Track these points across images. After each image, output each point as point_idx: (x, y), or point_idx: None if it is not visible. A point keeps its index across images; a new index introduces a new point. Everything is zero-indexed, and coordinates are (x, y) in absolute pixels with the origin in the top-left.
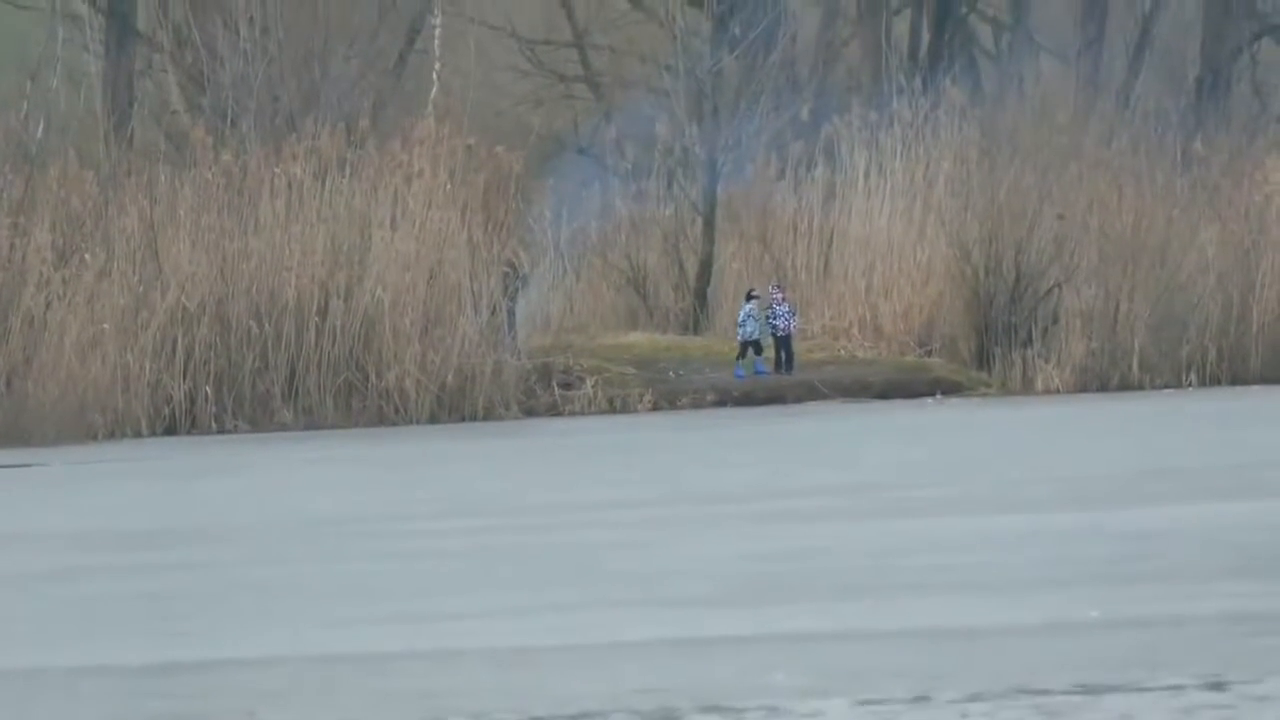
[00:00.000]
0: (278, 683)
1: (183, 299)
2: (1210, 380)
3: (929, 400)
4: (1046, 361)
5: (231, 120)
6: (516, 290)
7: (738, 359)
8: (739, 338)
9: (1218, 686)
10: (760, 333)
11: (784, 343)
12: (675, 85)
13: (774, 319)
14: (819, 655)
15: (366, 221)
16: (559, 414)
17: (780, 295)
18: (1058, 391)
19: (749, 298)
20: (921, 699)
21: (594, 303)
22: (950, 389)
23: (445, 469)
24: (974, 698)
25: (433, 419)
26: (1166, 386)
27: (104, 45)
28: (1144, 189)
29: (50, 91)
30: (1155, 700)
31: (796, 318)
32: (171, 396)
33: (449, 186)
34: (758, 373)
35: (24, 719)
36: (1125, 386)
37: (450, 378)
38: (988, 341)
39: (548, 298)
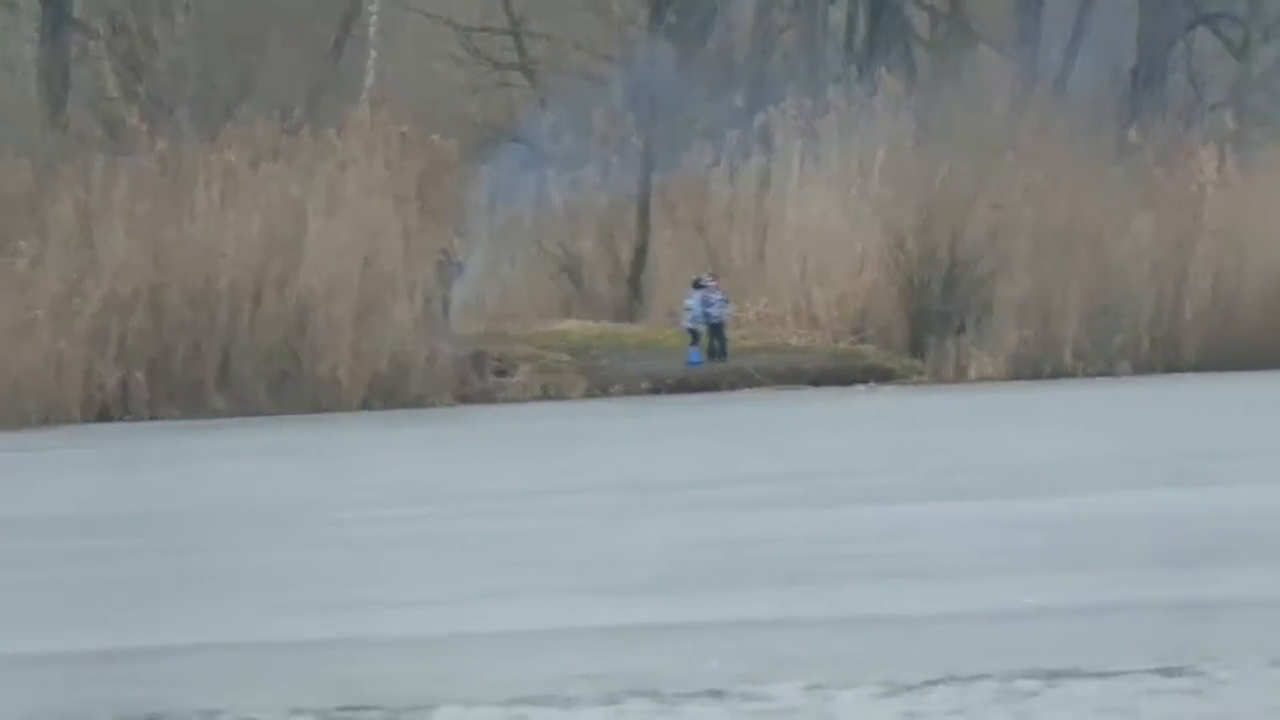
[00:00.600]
0: (211, 670)
1: (116, 286)
2: (1144, 368)
3: (862, 388)
4: (980, 349)
5: (167, 108)
6: (451, 278)
7: (691, 345)
8: (686, 324)
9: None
10: (701, 320)
11: (716, 330)
12: (612, 74)
13: (708, 307)
14: (756, 642)
15: (301, 209)
16: (493, 401)
17: (714, 284)
18: (991, 379)
19: (697, 286)
20: (859, 685)
21: (529, 290)
22: (884, 377)
23: (379, 457)
24: (911, 685)
25: (366, 406)
26: (1100, 374)
27: (39, 32)
28: (1079, 178)
29: None
30: (1101, 686)
31: (729, 306)
32: (105, 383)
33: (384, 174)
34: (694, 363)
35: None
36: (1058, 374)
37: (384, 365)
38: (921, 329)
39: (483, 285)
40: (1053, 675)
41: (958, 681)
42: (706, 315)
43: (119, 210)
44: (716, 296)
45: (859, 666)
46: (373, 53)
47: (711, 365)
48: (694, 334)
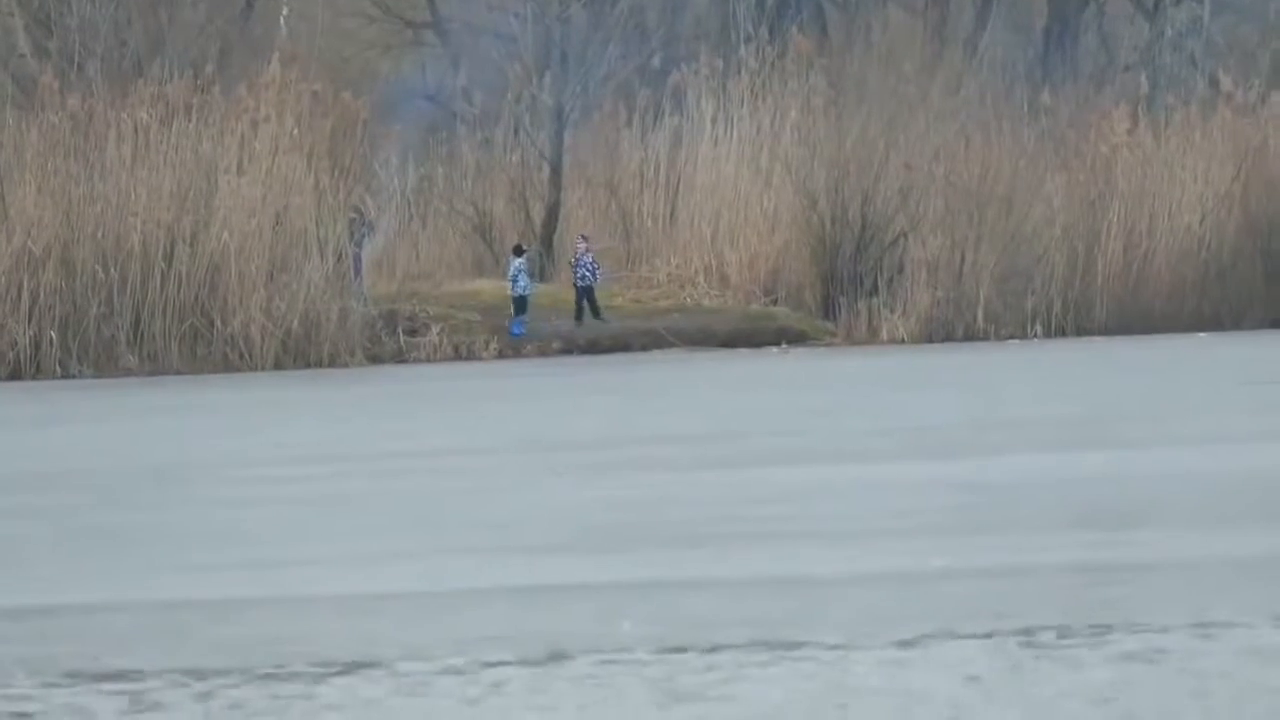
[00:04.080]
0: (122, 628)
1: (28, 243)
2: (1055, 331)
3: (774, 349)
4: (892, 311)
5: (78, 65)
6: (363, 237)
7: (516, 314)
8: (512, 292)
9: (1065, 634)
10: (530, 287)
11: (586, 293)
12: (523, 32)
13: (579, 269)
14: (666, 603)
15: (212, 167)
16: (404, 361)
17: (584, 246)
18: (903, 341)
19: (519, 251)
20: (767, 646)
21: (440, 250)
22: (796, 338)
23: (291, 416)
24: (820, 645)
25: (278, 365)
26: (1012, 337)
27: None
28: (991, 139)
29: None
30: (1000, 645)
31: (600, 269)
32: (16, 342)
33: (295, 132)
34: (517, 334)
35: None
36: (970, 337)
37: (296, 324)
38: (833, 291)
39: (394, 244)
40: (960, 637)
41: (863, 643)
42: (579, 276)
43: (30, 167)
44: (586, 259)
45: (769, 628)
46: (285, 10)
47: (586, 328)
48: (520, 301)
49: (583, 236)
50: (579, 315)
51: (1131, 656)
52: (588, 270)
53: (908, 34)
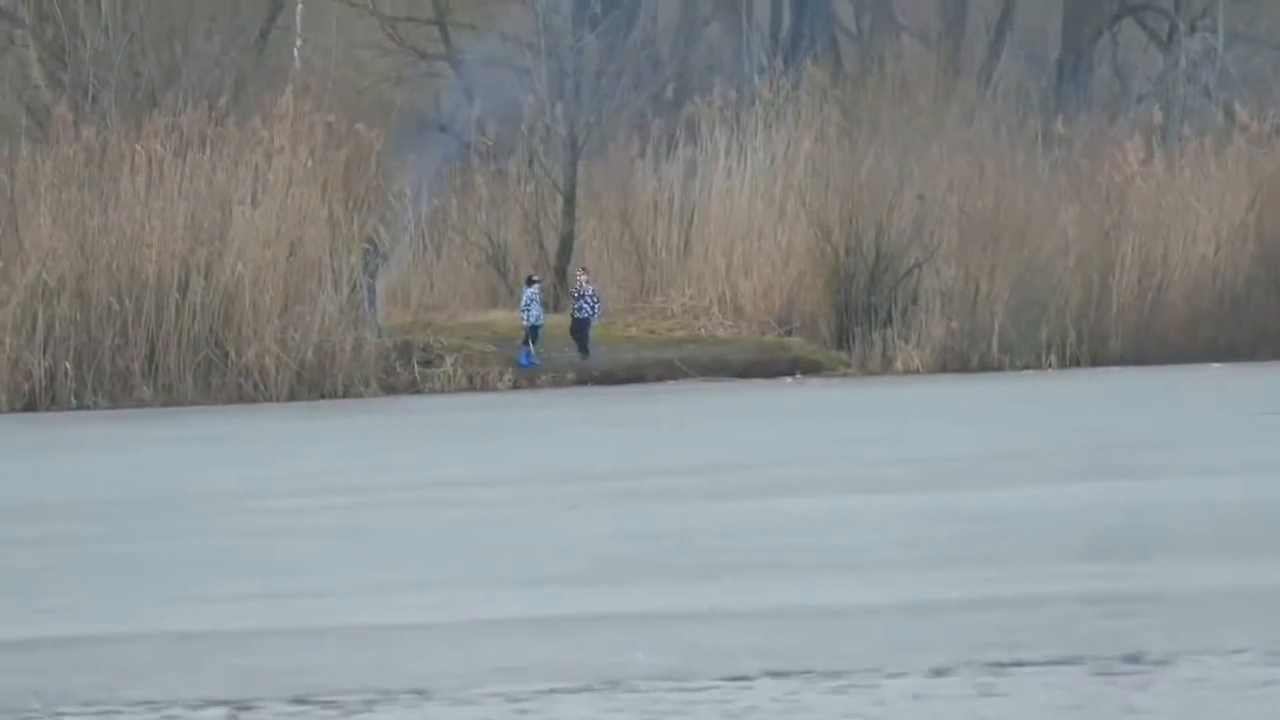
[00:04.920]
0: (138, 659)
1: (43, 275)
2: (1070, 361)
3: (789, 380)
4: (906, 341)
5: (92, 96)
6: (377, 267)
7: (524, 344)
8: (524, 323)
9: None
10: (541, 318)
11: (581, 326)
12: (537, 63)
13: (579, 301)
14: (680, 634)
15: (227, 198)
16: (419, 392)
17: (585, 279)
18: (917, 372)
19: (530, 282)
20: (783, 677)
21: (454, 280)
22: (810, 369)
23: (305, 447)
24: (835, 675)
25: (292, 396)
26: (1026, 367)
27: None
28: (1005, 169)
29: None
30: (1021, 679)
31: (600, 304)
32: (31, 373)
33: (310, 163)
34: (527, 364)
35: None
36: (985, 367)
37: (310, 355)
38: (848, 321)
39: (408, 275)
40: (973, 668)
41: (879, 674)
42: (577, 308)
43: (45, 198)
44: (589, 291)
45: (783, 659)
46: (298, 42)
47: (583, 361)
48: (533, 331)
49: (583, 269)
50: (582, 348)
51: (1146, 687)
52: (587, 303)
53: (921, 64)
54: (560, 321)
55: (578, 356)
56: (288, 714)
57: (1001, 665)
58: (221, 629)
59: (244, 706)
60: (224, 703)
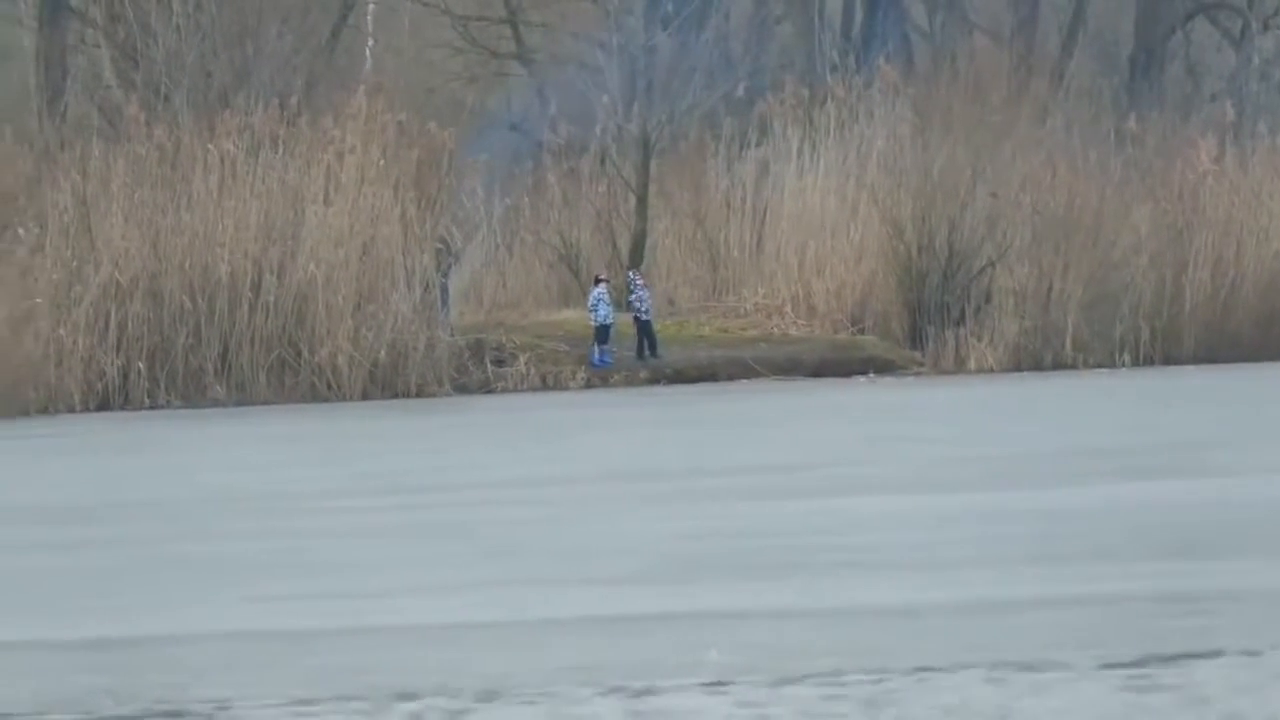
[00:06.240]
0: (210, 658)
1: (116, 274)
2: (1143, 360)
3: (862, 379)
4: (979, 340)
5: (165, 95)
6: (449, 267)
7: (595, 344)
8: (593, 322)
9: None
10: (610, 317)
11: (645, 327)
12: (609, 62)
13: (635, 302)
14: (752, 633)
15: (299, 197)
16: (491, 391)
17: (639, 279)
18: (990, 370)
19: (597, 281)
20: (852, 676)
21: (527, 280)
22: (883, 367)
23: (377, 445)
24: (909, 673)
25: (365, 395)
26: (1099, 366)
27: (37, 20)
28: (1077, 168)
29: None
30: (1094, 678)
31: (647, 304)
32: (105, 372)
33: (382, 163)
34: (600, 363)
35: None
36: (1058, 366)
37: (383, 354)
38: (921, 320)
39: (480, 274)
40: (1038, 667)
41: (946, 671)
42: (634, 310)
43: (118, 198)
44: (642, 292)
45: (853, 657)
46: (370, 41)
47: (645, 363)
48: (603, 331)
49: (635, 268)
50: (641, 351)
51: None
52: (645, 303)
53: (994, 63)
54: (631, 321)
55: (648, 356)
56: (357, 712)
57: (1077, 663)
58: (292, 628)
59: (314, 703)
60: (295, 701)
